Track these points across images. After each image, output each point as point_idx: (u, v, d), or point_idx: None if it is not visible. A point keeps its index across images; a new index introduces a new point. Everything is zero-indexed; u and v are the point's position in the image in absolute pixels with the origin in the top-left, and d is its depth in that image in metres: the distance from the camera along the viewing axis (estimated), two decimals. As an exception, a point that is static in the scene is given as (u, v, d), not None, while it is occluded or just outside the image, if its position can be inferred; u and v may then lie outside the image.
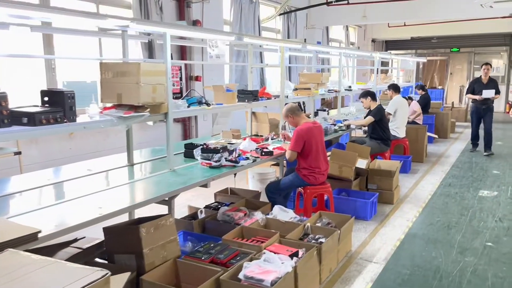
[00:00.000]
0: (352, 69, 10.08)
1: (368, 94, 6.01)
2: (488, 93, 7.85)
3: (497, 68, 16.04)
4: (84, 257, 3.01)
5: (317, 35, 11.31)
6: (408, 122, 8.29)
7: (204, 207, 4.24)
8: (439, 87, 16.11)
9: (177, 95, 6.88)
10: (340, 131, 6.00)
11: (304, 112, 7.87)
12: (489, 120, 7.98)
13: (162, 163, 3.82)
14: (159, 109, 3.37)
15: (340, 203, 4.69)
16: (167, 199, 3.11)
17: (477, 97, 7.90)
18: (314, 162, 4.21)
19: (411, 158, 6.92)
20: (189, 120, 7.22)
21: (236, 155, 3.89)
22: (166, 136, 3.52)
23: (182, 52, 7.02)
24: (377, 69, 9.31)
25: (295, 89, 5.82)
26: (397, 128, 6.87)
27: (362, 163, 5.18)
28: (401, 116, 6.84)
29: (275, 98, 5.20)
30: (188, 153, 4.03)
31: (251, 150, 4.32)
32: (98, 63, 3.32)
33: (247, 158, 3.91)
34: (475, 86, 7.97)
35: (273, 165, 5.59)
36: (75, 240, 3.14)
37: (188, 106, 3.89)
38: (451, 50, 16.64)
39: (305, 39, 6.36)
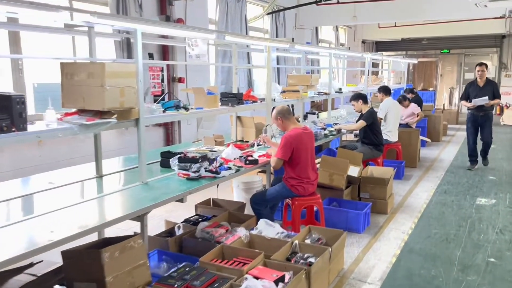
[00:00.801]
0: (342, 70, 9.79)
1: (360, 97, 5.69)
2: (479, 101, 6.57)
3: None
4: (40, 285, 2.64)
5: (307, 36, 11.01)
6: (407, 125, 8.03)
7: (183, 221, 3.88)
8: (430, 89, 15.94)
9: (158, 98, 6.51)
10: (330, 136, 5.68)
11: (293, 115, 7.56)
12: (488, 131, 6.82)
13: (135, 174, 3.45)
14: (129, 114, 3.00)
15: (331, 214, 4.37)
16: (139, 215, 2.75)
17: (469, 104, 6.70)
18: (303, 172, 3.88)
19: (404, 164, 6.63)
20: (171, 125, 6.84)
21: (217, 165, 3.54)
22: (138, 145, 3.16)
23: (164, 52, 6.65)
24: (368, 70, 9.04)
25: (283, 92, 5.48)
26: (389, 132, 6.58)
27: (354, 171, 4.86)
28: (392, 119, 6.56)
29: (261, 102, 4.86)
30: (165, 162, 3.67)
31: (234, 159, 3.98)
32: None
33: (229, 168, 3.56)
34: (470, 91, 6.78)
35: (260, 172, 5.25)
36: (31, 265, 2.77)
37: (164, 111, 3.53)
38: (441, 51, 16.49)
39: (292, 39, 6.05)
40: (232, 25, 8.19)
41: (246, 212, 4.24)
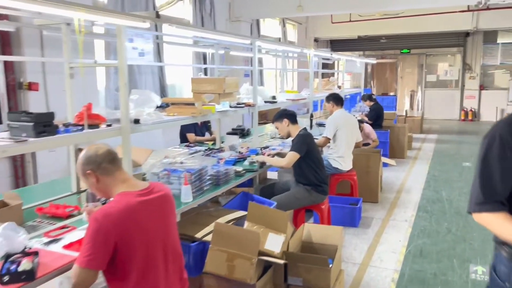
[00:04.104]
0: (282, 72, 7.80)
1: (284, 115, 3.64)
2: None
3: (449, 72, 14.57)
4: None
5: (244, 30, 8.96)
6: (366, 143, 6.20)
7: None
8: (391, 94, 14.36)
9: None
10: (247, 174, 3.59)
11: (210, 134, 5.44)
12: None
13: None
14: None
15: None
16: None
17: None
18: (144, 285, 1.79)
19: (361, 202, 4.70)
20: (20, 154, 4.56)
21: None
22: None
23: (4, 43, 4.38)
24: (315, 72, 7.10)
25: (164, 106, 3.35)
26: (340, 158, 4.65)
27: (275, 242, 2.81)
28: (344, 139, 4.63)
29: (109, 126, 2.73)
30: None
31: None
32: None
33: None
34: None
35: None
36: None
37: None
38: (401, 51, 14.97)
39: (157, 13, 4.03)
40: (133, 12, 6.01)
41: None
